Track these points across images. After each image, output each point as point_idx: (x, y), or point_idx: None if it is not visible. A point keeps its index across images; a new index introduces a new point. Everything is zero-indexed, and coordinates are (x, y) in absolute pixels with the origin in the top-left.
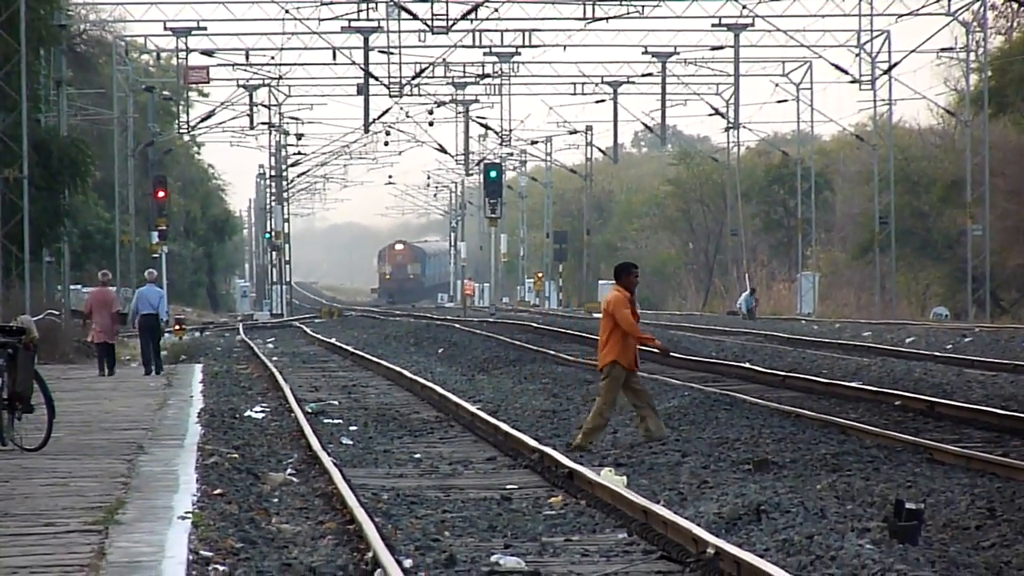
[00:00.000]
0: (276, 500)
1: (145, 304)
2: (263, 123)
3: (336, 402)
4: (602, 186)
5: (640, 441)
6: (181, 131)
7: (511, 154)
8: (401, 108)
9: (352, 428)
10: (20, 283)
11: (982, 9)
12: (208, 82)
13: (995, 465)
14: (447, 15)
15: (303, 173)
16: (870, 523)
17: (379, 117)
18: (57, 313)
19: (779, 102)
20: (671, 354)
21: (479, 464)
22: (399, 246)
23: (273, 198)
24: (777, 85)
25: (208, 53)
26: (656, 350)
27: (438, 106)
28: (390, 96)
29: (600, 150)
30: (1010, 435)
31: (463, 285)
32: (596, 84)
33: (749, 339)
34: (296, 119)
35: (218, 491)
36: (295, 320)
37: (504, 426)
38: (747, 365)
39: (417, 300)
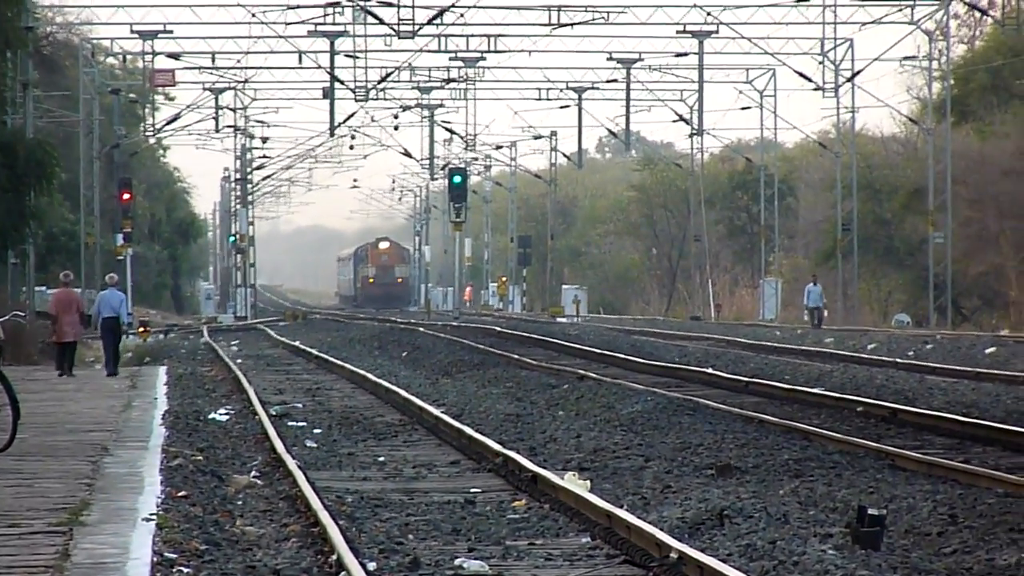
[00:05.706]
0: (240, 502)
1: (107, 307)
2: (229, 126)
3: (300, 405)
4: (566, 191)
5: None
6: (147, 134)
7: (476, 159)
8: (367, 112)
9: (316, 431)
10: None
11: (945, 18)
12: (174, 85)
13: (957, 472)
14: (413, 20)
15: (268, 176)
16: (832, 529)
17: (344, 121)
18: (22, 314)
19: (743, 109)
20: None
21: (443, 468)
22: (384, 244)
23: (238, 201)
24: (741, 92)
25: (174, 56)
26: None
27: (403, 110)
28: (356, 100)
29: (564, 155)
30: (971, 442)
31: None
32: (561, 90)
33: (711, 344)
34: (262, 122)
35: (182, 493)
36: (259, 323)
37: (468, 430)
38: (709, 370)
39: (405, 307)
